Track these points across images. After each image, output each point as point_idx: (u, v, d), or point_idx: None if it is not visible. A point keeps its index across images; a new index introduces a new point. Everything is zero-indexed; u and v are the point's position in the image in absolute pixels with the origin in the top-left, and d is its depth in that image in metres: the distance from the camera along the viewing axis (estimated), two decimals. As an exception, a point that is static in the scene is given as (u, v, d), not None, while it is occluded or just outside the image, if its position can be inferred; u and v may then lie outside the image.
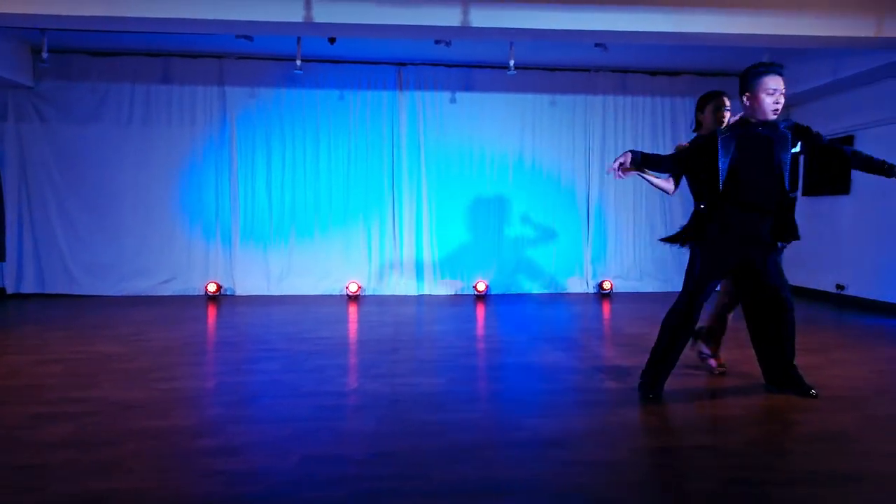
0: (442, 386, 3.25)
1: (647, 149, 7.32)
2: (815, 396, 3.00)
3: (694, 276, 2.99)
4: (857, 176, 6.23)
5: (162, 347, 4.13)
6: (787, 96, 2.89)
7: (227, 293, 6.84)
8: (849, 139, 6.26)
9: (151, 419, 2.68)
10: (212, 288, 6.62)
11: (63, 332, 4.62)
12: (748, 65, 2.89)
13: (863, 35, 4.70)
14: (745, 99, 2.88)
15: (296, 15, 4.51)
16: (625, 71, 7.25)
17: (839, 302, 6.39)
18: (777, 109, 2.83)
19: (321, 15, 4.50)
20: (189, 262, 6.83)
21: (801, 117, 6.98)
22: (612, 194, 7.35)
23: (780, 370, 3.11)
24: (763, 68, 2.82)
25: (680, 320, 3.01)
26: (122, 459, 2.25)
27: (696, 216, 3.12)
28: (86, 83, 6.62)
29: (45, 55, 5.21)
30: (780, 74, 2.82)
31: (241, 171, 6.90)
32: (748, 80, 2.85)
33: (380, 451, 2.36)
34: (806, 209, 6.88)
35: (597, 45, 5.74)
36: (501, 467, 2.23)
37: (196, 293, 6.76)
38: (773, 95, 2.80)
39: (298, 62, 5.59)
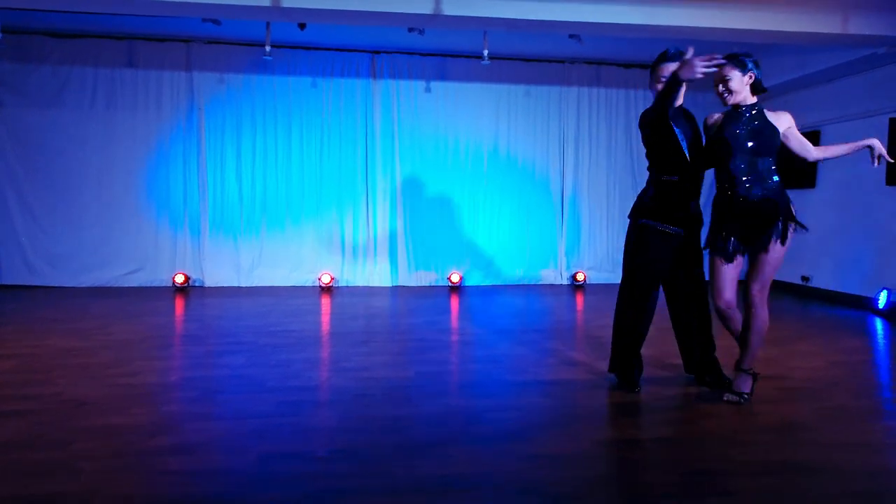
0: (410, 380, 3.23)
1: (620, 142, 7.47)
2: (730, 386, 2.93)
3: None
4: (823, 170, 6.35)
5: (124, 341, 4.01)
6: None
7: (196, 284, 6.69)
8: (815, 134, 6.37)
9: (106, 417, 2.60)
10: (179, 279, 6.46)
11: (19, 326, 4.46)
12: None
13: (829, 31, 4.77)
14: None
15: (263, -1, 4.39)
16: (599, 63, 7.25)
17: (804, 293, 6.53)
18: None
19: (289, -1, 4.39)
20: (156, 253, 6.65)
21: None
22: (586, 185, 7.38)
23: (702, 360, 3.13)
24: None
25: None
26: (71, 460, 2.17)
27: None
28: (46, 66, 6.35)
29: (-2, 35, 4.97)
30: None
31: (209, 158, 6.73)
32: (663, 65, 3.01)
33: (343, 448, 2.32)
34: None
35: (571, 36, 5.72)
36: (465, 463, 2.22)
37: (163, 284, 6.60)
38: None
39: (268, 48, 5.44)
